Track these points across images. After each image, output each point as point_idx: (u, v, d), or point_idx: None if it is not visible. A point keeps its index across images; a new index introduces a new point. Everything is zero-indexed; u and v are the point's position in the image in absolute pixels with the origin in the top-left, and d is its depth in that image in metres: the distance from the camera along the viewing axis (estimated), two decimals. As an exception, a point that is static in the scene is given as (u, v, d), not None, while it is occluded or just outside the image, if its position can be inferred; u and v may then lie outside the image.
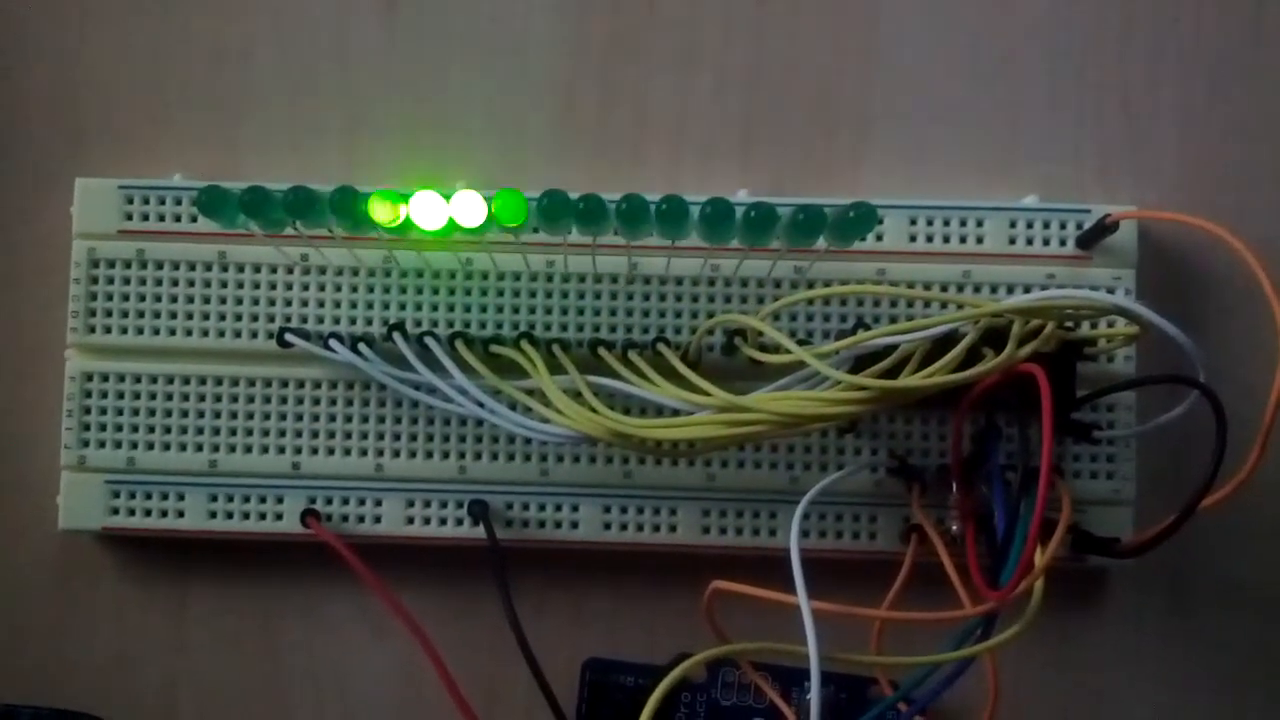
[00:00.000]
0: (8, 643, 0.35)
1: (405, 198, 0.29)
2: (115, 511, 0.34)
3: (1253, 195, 0.35)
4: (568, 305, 0.34)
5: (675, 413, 0.31)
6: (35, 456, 0.35)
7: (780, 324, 0.33)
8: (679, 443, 0.32)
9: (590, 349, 0.33)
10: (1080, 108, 0.36)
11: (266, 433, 0.34)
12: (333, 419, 0.34)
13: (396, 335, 0.33)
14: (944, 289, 0.34)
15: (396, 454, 0.34)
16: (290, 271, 0.34)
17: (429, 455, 0.34)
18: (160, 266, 0.34)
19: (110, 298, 0.34)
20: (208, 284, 0.34)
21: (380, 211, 0.29)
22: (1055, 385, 0.28)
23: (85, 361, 0.34)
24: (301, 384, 0.34)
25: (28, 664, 0.35)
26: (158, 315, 0.34)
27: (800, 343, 0.31)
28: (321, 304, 0.34)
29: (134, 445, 0.34)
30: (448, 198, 0.29)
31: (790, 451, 0.34)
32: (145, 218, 0.34)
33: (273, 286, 0.34)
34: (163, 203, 0.34)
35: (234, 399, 0.34)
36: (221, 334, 0.34)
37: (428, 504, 0.34)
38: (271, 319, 0.34)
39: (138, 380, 0.34)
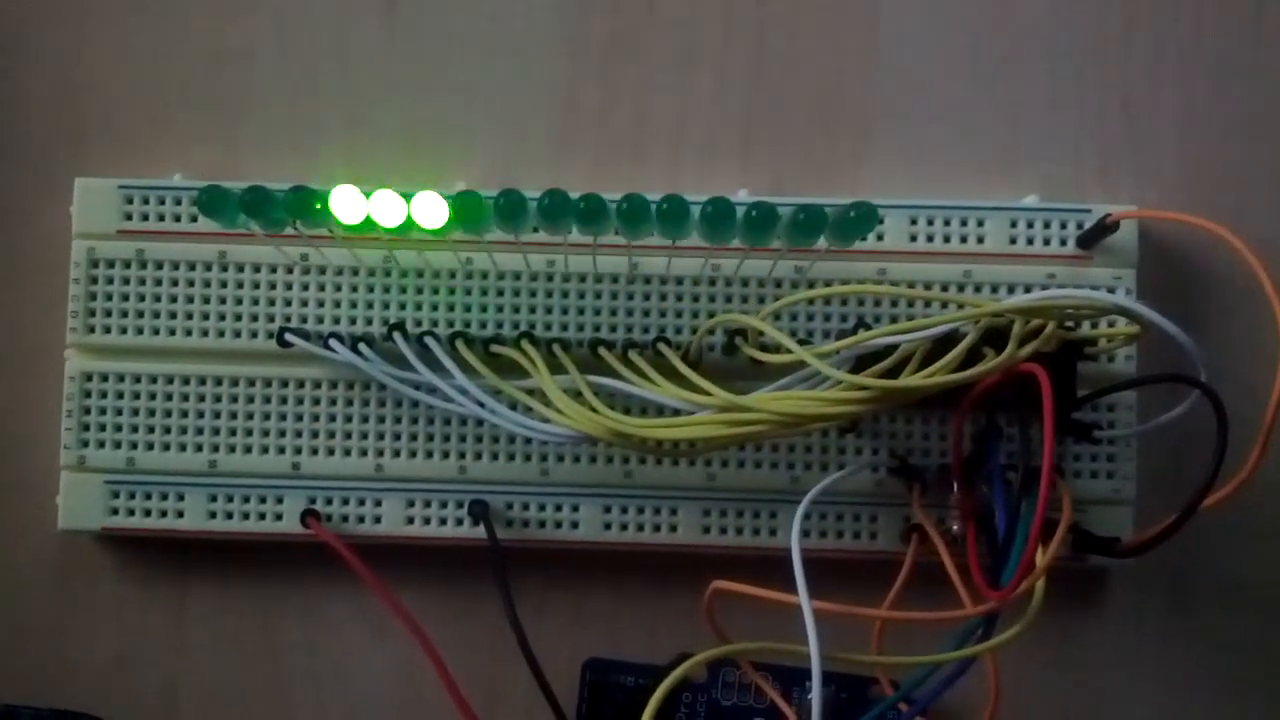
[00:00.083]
0: (8, 643, 0.35)
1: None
2: (115, 512, 0.34)
3: (1253, 195, 0.35)
4: (568, 305, 0.34)
5: (676, 412, 0.31)
6: (35, 456, 0.35)
7: (781, 324, 0.33)
8: (679, 442, 0.32)
9: (591, 349, 0.33)
10: (1081, 107, 0.36)
11: (266, 433, 0.34)
12: (333, 419, 0.34)
13: (397, 335, 0.33)
14: (945, 289, 0.34)
15: (397, 454, 0.34)
16: (290, 271, 0.34)
17: (429, 455, 0.34)
18: (160, 266, 0.34)
19: (110, 298, 0.34)
20: (208, 284, 0.34)
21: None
22: (1056, 385, 0.28)
23: (85, 361, 0.34)
24: (302, 384, 0.34)
25: (28, 664, 0.35)
26: (157, 315, 0.34)
27: (801, 342, 0.31)
28: (321, 304, 0.34)
29: (134, 445, 0.34)
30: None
31: (791, 451, 0.34)
32: (145, 218, 0.34)
33: (273, 286, 0.34)
34: (163, 203, 0.34)
35: (234, 399, 0.34)
36: (221, 334, 0.34)
37: (428, 504, 0.34)
38: (271, 319, 0.34)
39: (137, 380, 0.34)
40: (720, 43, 0.36)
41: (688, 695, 0.34)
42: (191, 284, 0.34)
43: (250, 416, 0.34)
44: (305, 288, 0.34)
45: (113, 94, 0.36)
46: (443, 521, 0.34)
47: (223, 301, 0.34)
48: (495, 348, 0.33)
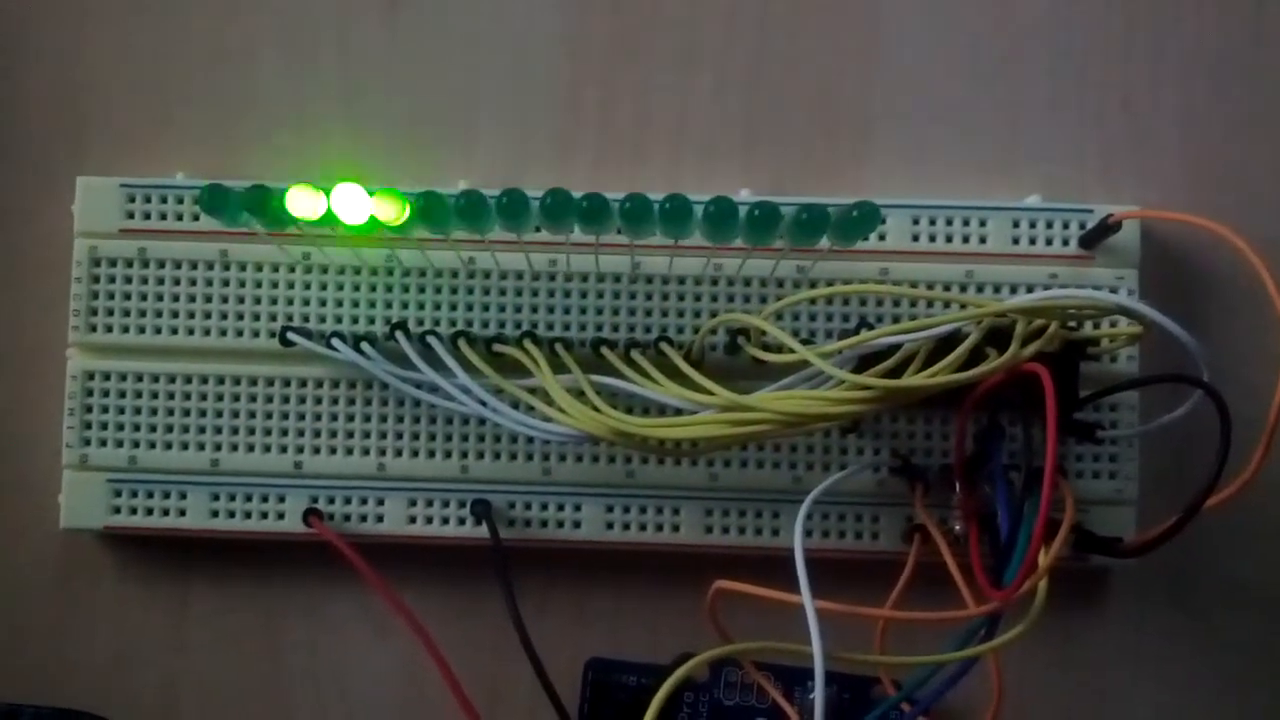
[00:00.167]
0: (9, 642, 0.35)
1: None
2: (117, 510, 0.34)
3: (1256, 194, 0.35)
4: (570, 304, 0.34)
5: (678, 412, 0.31)
6: (37, 455, 0.35)
7: (783, 323, 0.33)
8: (682, 442, 0.32)
9: (593, 348, 0.33)
10: (1082, 107, 0.36)
11: (269, 432, 0.34)
12: (335, 418, 0.34)
13: (399, 334, 0.33)
14: (947, 289, 0.34)
15: (399, 453, 0.34)
16: (292, 270, 0.34)
17: (431, 454, 0.34)
18: (162, 265, 0.34)
19: (112, 296, 0.34)
20: (209, 283, 0.34)
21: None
22: (1059, 385, 0.28)
23: (87, 360, 0.34)
24: (304, 383, 0.34)
25: (29, 663, 0.35)
26: (159, 314, 0.34)
27: (803, 342, 0.31)
28: (324, 303, 0.34)
29: (136, 444, 0.34)
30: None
31: (793, 451, 0.34)
32: (147, 216, 0.34)
33: (275, 285, 0.34)
34: (164, 201, 0.34)
35: (236, 398, 0.34)
36: (223, 333, 0.34)
37: (430, 503, 0.34)
38: (274, 318, 0.34)
39: (139, 379, 0.34)
40: (721, 42, 0.36)
41: (690, 695, 0.34)
42: (193, 283, 0.34)
43: (252, 415, 0.34)
44: (307, 286, 0.34)
45: (113, 93, 0.36)
46: (445, 521, 0.34)
47: (225, 300, 0.34)
48: (498, 347, 0.33)
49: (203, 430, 0.34)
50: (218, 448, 0.34)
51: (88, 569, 0.35)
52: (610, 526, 0.34)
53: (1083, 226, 0.34)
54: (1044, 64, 0.36)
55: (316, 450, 0.34)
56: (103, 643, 0.35)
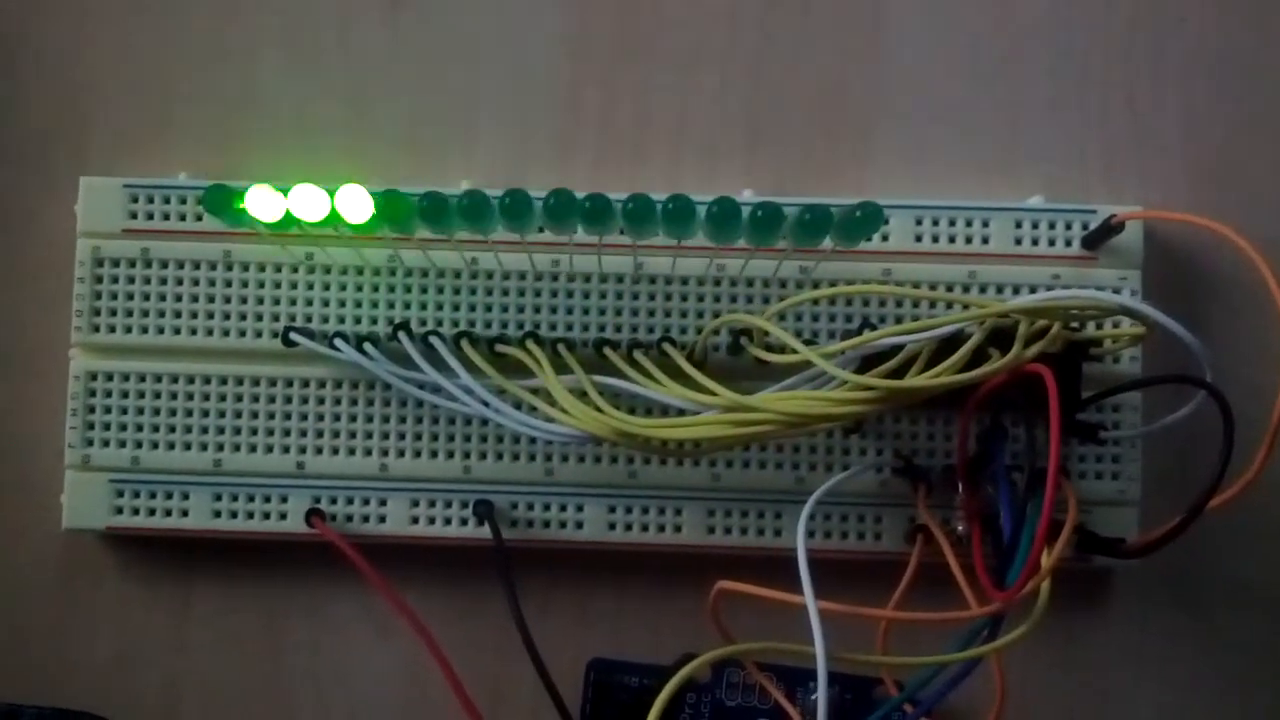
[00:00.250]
0: (10, 642, 0.35)
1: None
2: (119, 511, 0.34)
3: (1259, 194, 0.35)
4: (573, 305, 0.34)
5: (681, 412, 0.31)
6: (39, 456, 0.35)
7: (786, 324, 0.33)
8: (684, 442, 0.32)
9: (596, 349, 0.33)
10: (1084, 108, 0.36)
11: (271, 432, 0.34)
12: (338, 418, 0.34)
13: (402, 335, 0.33)
14: (950, 289, 0.34)
15: (401, 454, 0.34)
16: (295, 270, 0.34)
17: (434, 455, 0.34)
18: (165, 265, 0.34)
19: (115, 296, 0.34)
20: (212, 283, 0.34)
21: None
22: (1061, 386, 0.28)
23: (89, 360, 0.34)
24: (306, 383, 0.34)
25: (30, 663, 0.35)
26: (162, 314, 0.34)
27: (806, 343, 0.31)
28: (326, 303, 0.34)
29: (138, 444, 0.34)
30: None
31: (796, 452, 0.34)
32: (150, 216, 0.34)
33: (277, 285, 0.34)
34: (167, 201, 0.34)
35: (239, 398, 0.34)
36: (226, 333, 0.34)
37: (433, 504, 0.34)
38: (276, 318, 0.34)
39: (142, 379, 0.34)
40: (722, 43, 0.36)
41: (692, 695, 0.34)
42: (196, 283, 0.34)
43: (255, 416, 0.34)
44: (310, 287, 0.34)
45: (114, 93, 0.36)
46: (447, 521, 0.34)
47: (228, 300, 0.34)
48: (500, 347, 0.33)
49: (205, 430, 0.34)
50: (220, 448, 0.34)
51: (90, 569, 0.35)
52: (613, 527, 0.34)
53: (1085, 227, 0.34)
54: (1045, 64, 0.36)
55: (319, 450, 0.34)
56: (104, 643, 0.35)
